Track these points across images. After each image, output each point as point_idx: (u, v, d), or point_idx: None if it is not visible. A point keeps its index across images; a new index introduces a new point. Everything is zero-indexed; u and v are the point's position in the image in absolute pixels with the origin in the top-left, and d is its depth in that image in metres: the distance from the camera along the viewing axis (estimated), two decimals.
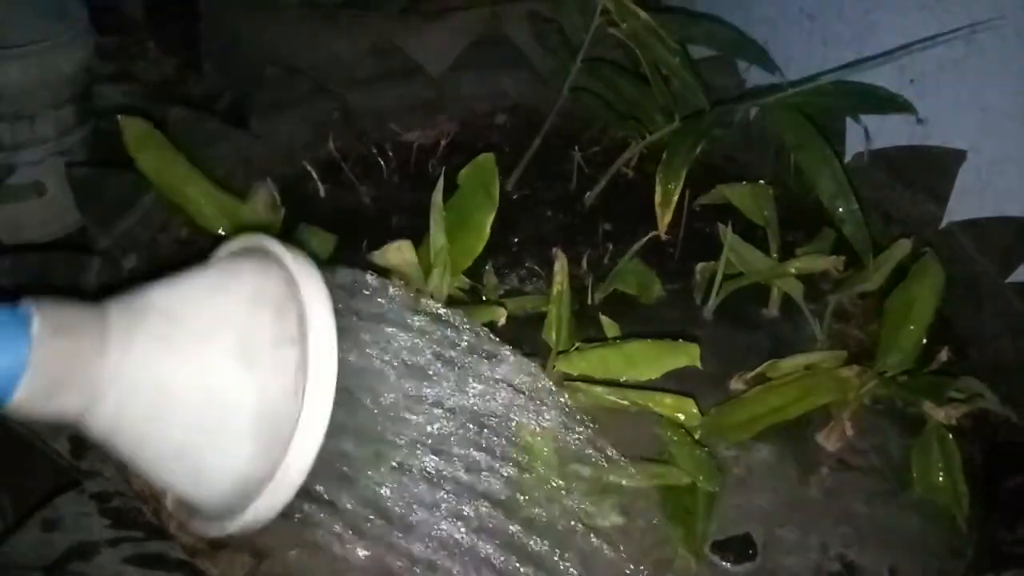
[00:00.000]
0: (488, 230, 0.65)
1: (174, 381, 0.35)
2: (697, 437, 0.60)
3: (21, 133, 0.97)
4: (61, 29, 0.98)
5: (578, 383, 0.58)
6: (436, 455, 0.44)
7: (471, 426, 0.45)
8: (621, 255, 0.75)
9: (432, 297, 0.65)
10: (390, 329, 0.42)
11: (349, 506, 0.42)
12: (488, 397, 0.46)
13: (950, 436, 0.59)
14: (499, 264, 0.78)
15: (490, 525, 0.44)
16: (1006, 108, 0.74)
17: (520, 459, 0.47)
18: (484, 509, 0.44)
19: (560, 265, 0.63)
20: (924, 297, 0.60)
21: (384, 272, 0.65)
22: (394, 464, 0.43)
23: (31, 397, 0.33)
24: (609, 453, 0.52)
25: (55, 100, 0.98)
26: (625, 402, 0.57)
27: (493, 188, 0.65)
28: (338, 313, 0.37)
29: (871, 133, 0.83)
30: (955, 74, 0.79)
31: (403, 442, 0.44)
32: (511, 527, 0.45)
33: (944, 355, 0.64)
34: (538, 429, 0.50)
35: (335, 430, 0.37)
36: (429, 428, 0.44)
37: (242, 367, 0.35)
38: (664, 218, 0.67)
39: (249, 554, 0.54)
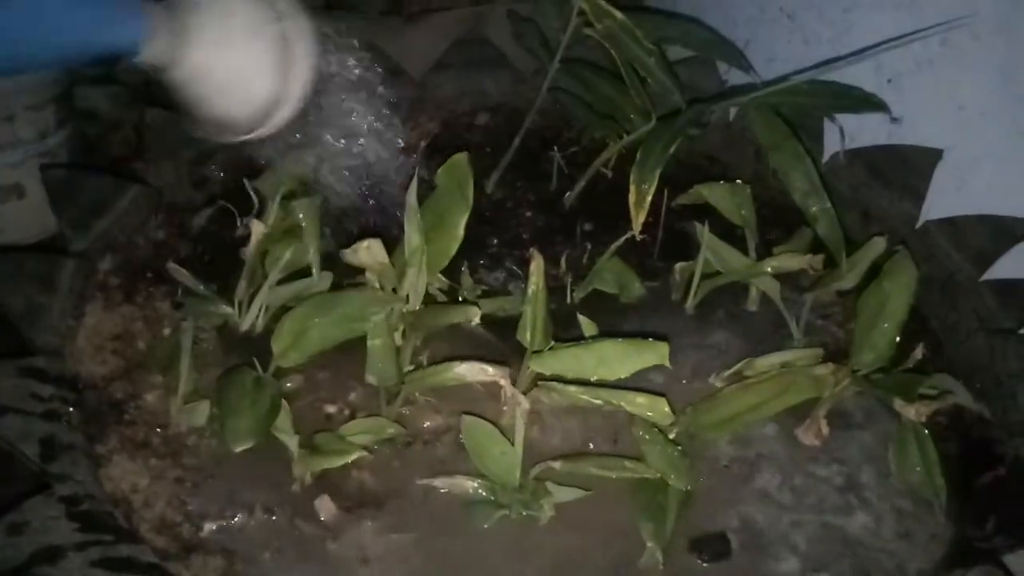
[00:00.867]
0: (462, 230, 0.65)
1: (226, 43, 0.58)
2: (673, 435, 0.60)
3: (1, 135, 0.96)
4: None
5: (552, 383, 0.58)
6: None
7: None
8: (600, 254, 0.75)
9: (408, 297, 0.65)
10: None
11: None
12: None
13: (926, 432, 0.59)
14: (478, 264, 0.78)
15: None
16: (981, 106, 0.74)
17: None
18: None
19: (536, 266, 0.62)
20: (897, 295, 0.60)
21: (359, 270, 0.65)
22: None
23: (151, 53, 0.55)
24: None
25: (33, 101, 0.98)
26: (598, 401, 0.57)
27: (468, 188, 0.65)
28: None
29: (849, 132, 0.83)
30: (931, 73, 0.79)
31: None
32: None
33: (919, 352, 0.64)
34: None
35: None
36: None
37: (258, 33, 0.59)
38: (638, 217, 0.67)
39: (221, 556, 0.54)
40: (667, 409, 0.55)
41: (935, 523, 0.56)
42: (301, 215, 0.68)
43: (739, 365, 0.65)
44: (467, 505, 0.58)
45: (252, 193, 0.74)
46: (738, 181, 0.78)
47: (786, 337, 0.71)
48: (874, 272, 0.68)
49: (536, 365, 0.57)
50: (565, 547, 0.56)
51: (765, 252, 0.74)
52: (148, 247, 0.76)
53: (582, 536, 0.56)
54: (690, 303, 0.74)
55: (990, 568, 0.47)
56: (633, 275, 0.75)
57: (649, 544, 0.53)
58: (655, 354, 0.54)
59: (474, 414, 0.59)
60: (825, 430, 0.63)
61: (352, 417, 0.63)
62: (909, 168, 0.78)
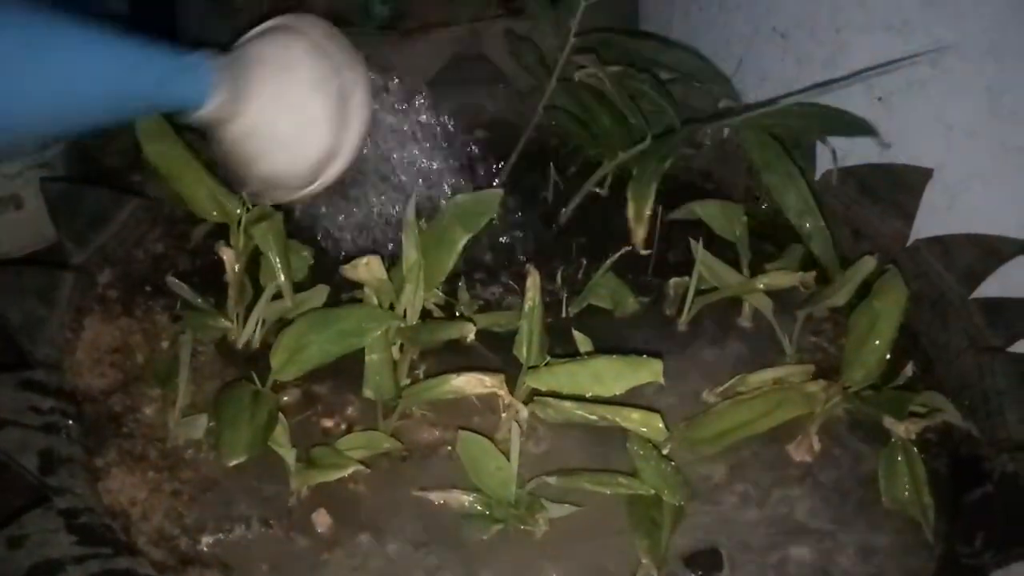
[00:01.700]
0: (461, 247, 0.66)
1: (283, 99, 0.58)
2: (666, 451, 0.61)
3: None
4: None
5: (548, 399, 0.59)
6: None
7: None
8: (595, 270, 0.76)
9: (405, 312, 0.65)
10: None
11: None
12: None
13: (915, 450, 0.60)
14: (475, 280, 0.79)
15: None
16: (970, 127, 0.76)
17: None
18: None
19: (532, 281, 0.63)
20: (887, 314, 0.61)
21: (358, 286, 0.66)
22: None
23: (210, 109, 0.57)
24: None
25: None
26: (593, 417, 0.57)
27: (482, 219, 0.65)
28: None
29: (841, 151, 0.84)
30: (921, 94, 0.81)
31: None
32: None
33: (909, 370, 0.65)
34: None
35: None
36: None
37: (316, 87, 0.59)
38: (638, 232, 0.68)
39: (218, 570, 0.54)
40: (661, 425, 0.56)
41: (923, 541, 0.57)
42: (263, 239, 0.66)
43: (732, 381, 0.66)
44: (462, 519, 0.58)
45: (250, 206, 0.75)
46: (730, 199, 0.79)
47: (778, 353, 0.72)
48: (865, 290, 0.69)
49: (532, 380, 0.58)
50: (559, 563, 0.56)
51: (758, 268, 0.75)
52: (147, 260, 0.76)
53: (576, 551, 0.57)
54: (684, 319, 0.75)
55: None
56: (627, 290, 0.76)
57: (644, 560, 0.54)
58: (649, 371, 0.54)
59: (470, 429, 0.60)
60: (816, 446, 0.63)
61: (349, 431, 0.64)
62: (900, 187, 0.79)
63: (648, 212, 0.68)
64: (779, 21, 0.99)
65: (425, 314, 0.70)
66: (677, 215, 0.78)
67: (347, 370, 0.62)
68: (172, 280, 0.69)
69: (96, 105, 0.52)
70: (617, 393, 0.55)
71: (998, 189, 0.74)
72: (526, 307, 0.62)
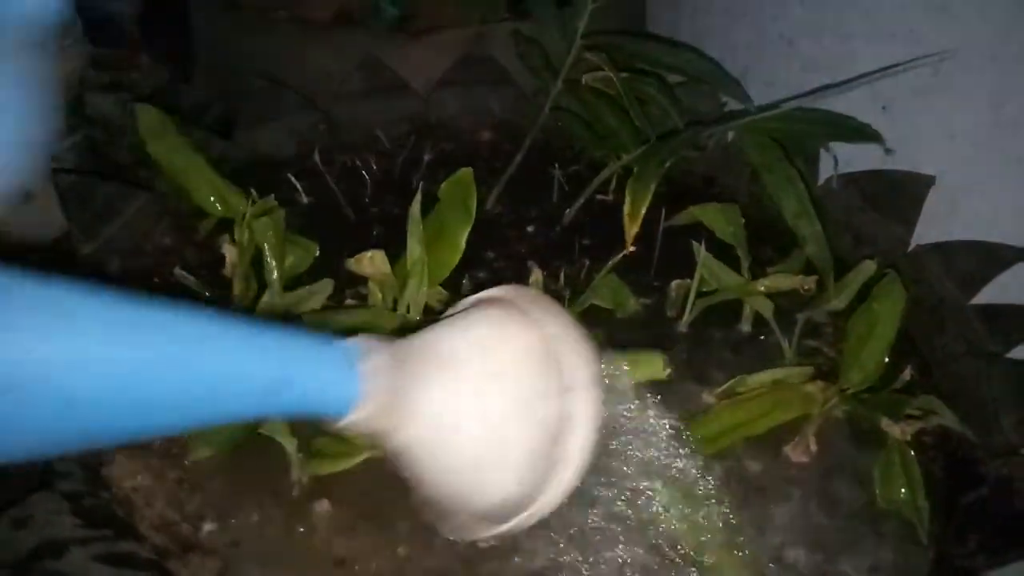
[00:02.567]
0: (464, 243, 0.67)
1: (460, 417, 0.43)
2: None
3: None
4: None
5: None
6: None
7: None
8: (598, 271, 0.77)
9: (408, 306, 0.66)
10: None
11: None
12: None
13: (911, 452, 0.60)
14: (479, 278, 0.79)
15: None
16: (972, 135, 0.76)
17: None
18: None
19: (534, 279, 0.64)
20: (886, 317, 0.61)
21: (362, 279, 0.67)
22: None
23: (357, 419, 0.42)
24: None
25: None
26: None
27: (471, 202, 0.67)
28: None
29: (844, 157, 0.85)
30: (924, 101, 0.81)
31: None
32: None
33: (908, 374, 0.65)
34: None
35: None
36: None
37: (517, 410, 0.42)
38: (631, 229, 0.69)
39: (218, 557, 0.55)
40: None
41: (918, 542, 0.57)
42: (262, 234, 0.66)
43: (731, 382, 0.67)
44: None
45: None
46: (733, 202, 0.79)
47: (778, 356, 0.72)
48: (865, 294, 0.69)
49: None
50: (559, 558, 0.57)
51: (759, 272, 0.75)
52: (155, 252, 0.77)
53: (576, 547, 0.57)
54: (685, 320, 0.76)
55: None
56: (629, 292, 0.77)
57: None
58: (652, 367, 0.55)
59: None
60: (813, 447, 0.64)
61: None
62: (901, 193, 0.80)
63: (643, 211, 0.68)
64: (786, 28, 1.00)
65: (429, 311, 0.70)
66: (679, 221, 0.79)
67: None
68: (179, 272, 0.70)
69: (223, 408, 0.39)
70: None
71: (998, 197, 0.74)
72: None
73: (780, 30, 1.00)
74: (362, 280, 0.66)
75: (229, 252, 0.67)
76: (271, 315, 0.69)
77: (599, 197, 0.86)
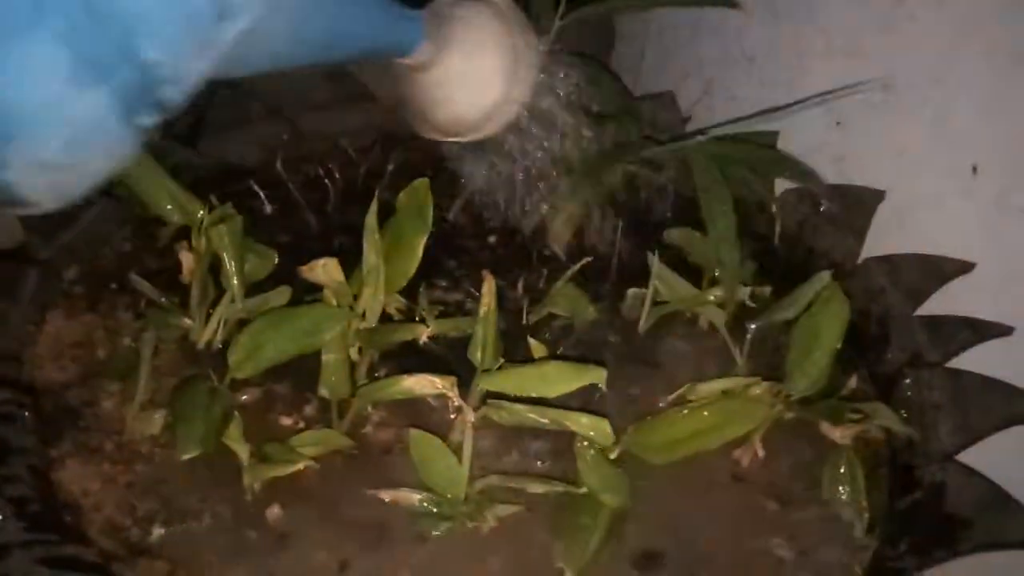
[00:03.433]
0: (420, 252, 0.67)
1: (474, 53, 0.67)
2: (615, 455, 0.62)
3: None
4: None
5: (502, 401, 0.60)
6: None
7: None
8: (557, 280, 0.78)
9: (364, 315, 0.67)
10: None
11: None
12: None
13: (855, 457, 0.62)
14: (440, 286, 0.80)
15: None
16: (918, 151, 0.78)
17: None
18: None
19: (488, 288, 0.65)
20: (829, 325, 0.63)
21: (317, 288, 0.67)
22: None
23: (418, 55, 0.64)
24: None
25: None
26: (544, 420, 0.59)
27: (427, 211, 0.67)
28: None
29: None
30: (875, 118, 0.83)
31: None
32: None
33: (854, 382, 0.67)
34: None
35: None
36: None
37: (499, 47, 0.68)
38: (562, 237, 0.73)
39: (167, 561, 0.55)
40: (609, 430, 0.57)
41: (857, 545, 0.59)
42: (220, 242, 0.67)
43: (682, 390, 0.68)
44: (412, 516, 0.59)
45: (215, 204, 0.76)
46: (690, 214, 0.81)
47: (731, 364, 0.74)
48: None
49: (484, 383, 0.59)
50: (502, 562, 0.58)
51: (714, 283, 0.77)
52: (114, 258, 0.77)
53: (518, 551, 0.58)
54: (641, 328, 0.77)
55: None
56: (586, 300, 0.78)
57: (558, 564, 0.55)
58: (593, 376, 0.56)
59: (425, 429, 0.61)
60: (761, 453, 0.65)
61: (307, 429, 0.65)
62: (853, 207, 0.82)
63: (574, 225, 0.71)
64: (747, 45, 1.02)
65: (387, 318, 0.71)
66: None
67: (307, 370, 0.64)
68: (135, 278, 0.70)
69: (333, 44, 0.56)
70: (560, 394, 0.57)
71: (942, 211, 0.77)
72: (481, 312, 0.64)
73: (742, 46, 1.03)
74: (320, 288, 0.67)
75: (186, 259, 0.67)
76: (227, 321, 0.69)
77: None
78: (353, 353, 0.68)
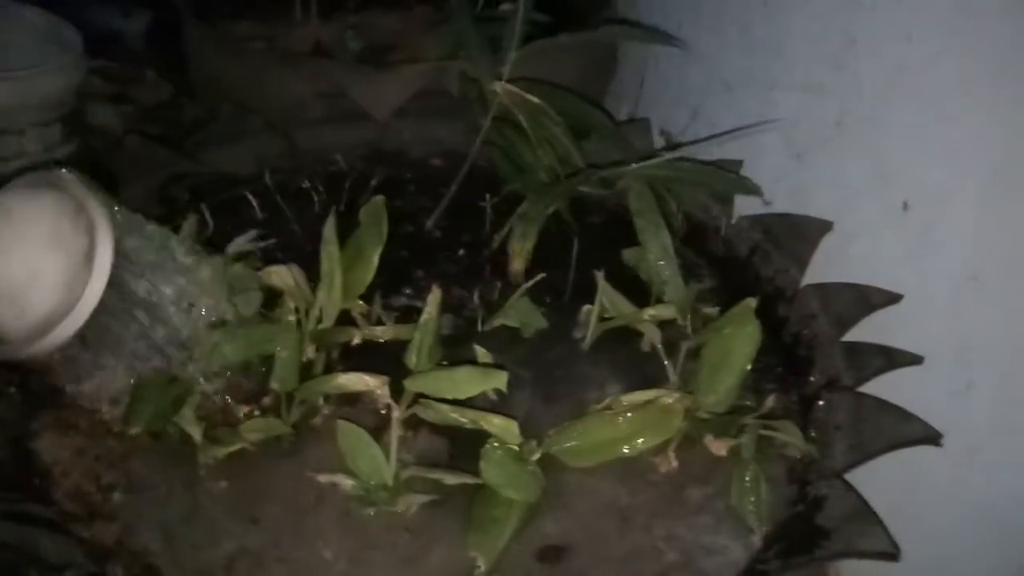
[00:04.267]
0: (376, 262, 0.74)
1: (13, 253, 0.60)
2: (537, 456, 0.68)
3: (8, 147, 1.08)
4: (55, 55, 1.10)
5: (429, 400, 0.66)
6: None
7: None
8: (513, 292, 0.84)
9: (320, 318, 0.74)
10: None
11: None
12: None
13: (759, 469, 0.66)
14: (403, 293, 0.87)
15: None
16: (859, 184, 0.82)
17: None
18: None
19: (432, 298, 0.71)
20: (740, 344, 0.67)
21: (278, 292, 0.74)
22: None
23: None
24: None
25: (41, 119, 1.10)
26: (464, 420, 0.65)
27: (383, 226, 0.74)
28: None
29: (763, 198, 0.92)
30: (827, 151, 0.87)
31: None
32: None
33: (771, 402, 0.72)
34: None
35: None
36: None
37: (51, 249, 0.60)
38: (515, 264, 0.76)
39: (119, 524, 0.62)
40: (516, 431, 0.63)
41: (751, 550, 0.63)
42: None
43: (608, 400, 0.73)
44: (344, 499, 0.66)
45: (210, 219, 0.85)
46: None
47: (664, 379, 0.78)
48: None
49: (409, 384, 0.66)
50: (417, 548, 0.64)
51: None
52: None
53: (434, 537, 0.64)
54: (587, 342, 0.82)
55: None
56: (538, 313, 0.83)
57: (472, 553, 0.61)
58: (495, 380, 0.62)
59: (364, 423, 0.68)
60: (674, 463, 0.70)
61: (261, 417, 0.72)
62: (799, 236, 0.86)
63: (528, 247, 0.76)
64: (727, 74, 1.07)
65: (349, 320, 0.78)
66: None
67: (271, 367, 0.71)
68: None
69: None
70: (467, 396, 0.63)
71: (878, 244, 0.80)
72: (421, 320, 0.70)
73: (723, 77, 1.07)
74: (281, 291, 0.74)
75: None
76: None
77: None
78: (311, 351, 0.75)
